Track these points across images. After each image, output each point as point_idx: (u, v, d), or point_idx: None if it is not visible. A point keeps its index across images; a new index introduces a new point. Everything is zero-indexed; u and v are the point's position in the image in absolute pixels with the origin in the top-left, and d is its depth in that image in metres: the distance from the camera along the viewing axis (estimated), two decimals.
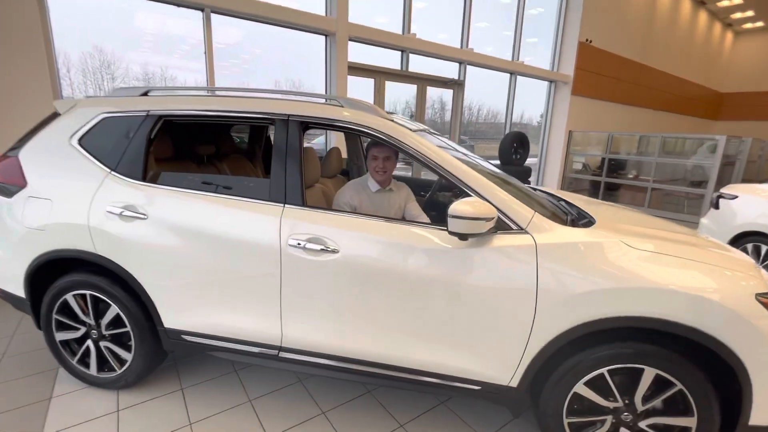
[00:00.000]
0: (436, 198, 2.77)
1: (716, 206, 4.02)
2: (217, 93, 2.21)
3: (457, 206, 1.39)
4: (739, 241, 3.69)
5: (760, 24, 13.90)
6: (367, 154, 2.08)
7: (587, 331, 1.42)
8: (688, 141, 7.54)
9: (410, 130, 1.70)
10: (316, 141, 6.68)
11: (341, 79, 5.09)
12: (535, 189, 2.31)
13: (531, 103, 8.52)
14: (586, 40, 8.19)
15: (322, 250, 1.60)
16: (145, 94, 2.03)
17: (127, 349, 1.97)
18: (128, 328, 1.92)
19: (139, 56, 4.21)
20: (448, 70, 6.58)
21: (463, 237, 1.43)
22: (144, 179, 1.84)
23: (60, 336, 2.02)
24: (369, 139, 1.89)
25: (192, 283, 1.80)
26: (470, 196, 1.53)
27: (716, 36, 13.76)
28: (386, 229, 1.60)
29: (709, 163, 6.64)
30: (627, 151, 8.20)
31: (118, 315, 1.91)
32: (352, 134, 3.11)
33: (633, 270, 1.39)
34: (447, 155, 1.62)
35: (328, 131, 5.31)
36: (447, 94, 6.66)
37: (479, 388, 1.61)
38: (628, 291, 1.37)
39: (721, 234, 3.78)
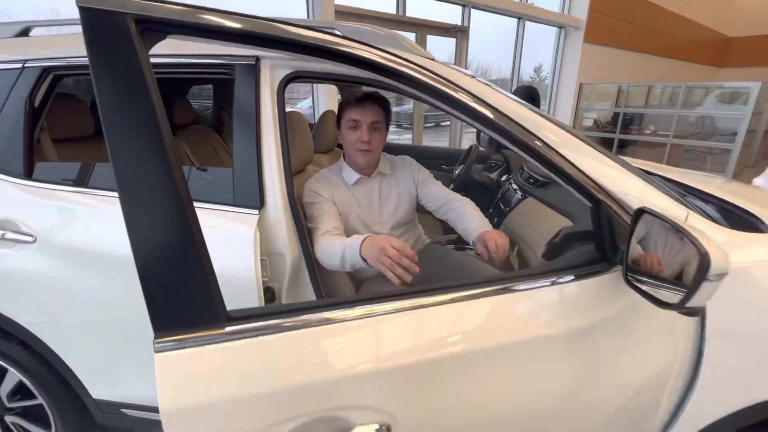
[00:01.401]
0: (470, 176, 2.07)
1: None
2: None
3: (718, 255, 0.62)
4: None
5: None
6: (340, 121, 1.30)
7: None
8: (700, 91, 6.86)
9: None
10: (300, 105, 5.81)
11: None
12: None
13: (536, 57, 7.67)
14: None
15: None
16: (25, 33, 1.26)
17: (47, 426, 1.34)
18: (40, 400, 1.28)
19: None
20: (450, 16, 5.67)
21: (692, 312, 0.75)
22: (28, 175, 1.13)
23: None
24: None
25: (124, 336, 1.14)
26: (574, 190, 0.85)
27: None
28: None
29: (740, 114, 5.99)
30: (642, 104, 7.51)
31: (21, 383, 1.26)
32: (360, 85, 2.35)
33: None
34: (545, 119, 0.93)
35: (314, 85, 4.46)
36: (449, 45, 5.78)
37: None
38: None
39: None
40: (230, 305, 1.05)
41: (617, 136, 7.43)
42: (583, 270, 0.75)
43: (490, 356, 0.71)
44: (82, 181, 1.13)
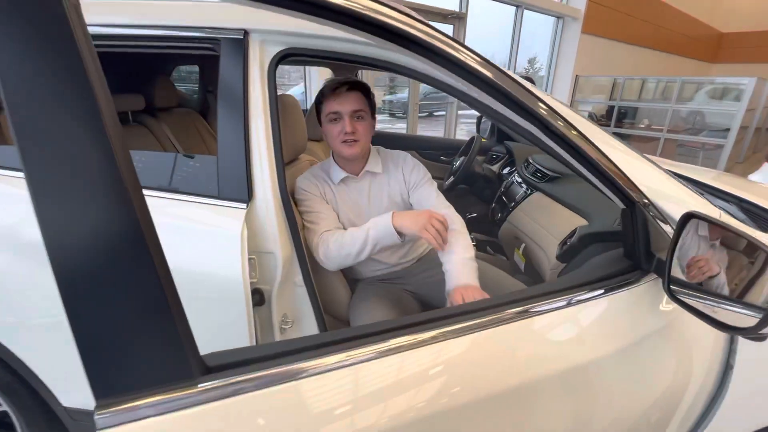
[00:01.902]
0: (471, 168, 1.97)
1: None
2: None
3: None
4: None
5: None
6: (320, 116, 1.15)
7: None
8: (691, 87, 6.84)
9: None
10: (290, 92, 5.64)
11: None
12: None
13: (530, 48, 7.55)
14: None
15: None
16: None
17: None
18: (5, 407, 1.17)
19: None
20: (447, 2, 5.50)
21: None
22: None
23: None
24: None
25: None
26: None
27: None
28: None
29: (733, 110, 6.00)
30: (635, 98, 7.49)
31: None
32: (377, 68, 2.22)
33: None
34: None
35: (308, 69, 4.28)
36: (446, 32, 5.61)
37: None
38: None
39: None
40: (214, 309, 0.96)
41: (612, 129, 7.41)
42: (613, 282, 0.66)
43: (509, 400, 0.59)
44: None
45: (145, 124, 1.89)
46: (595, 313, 0.66)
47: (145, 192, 0.91)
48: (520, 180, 1.67)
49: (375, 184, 1.21)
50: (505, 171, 1.95)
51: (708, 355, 0.78)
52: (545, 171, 1.45)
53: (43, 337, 1.06)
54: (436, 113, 10.59)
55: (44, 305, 1.02)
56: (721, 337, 0.79)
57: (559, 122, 0.60)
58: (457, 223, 1.14)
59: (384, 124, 9.85)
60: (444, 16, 5.41)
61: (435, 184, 1.22)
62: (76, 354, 0.93)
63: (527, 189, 1.55)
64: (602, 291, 0.65)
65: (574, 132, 0.61)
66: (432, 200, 1.18)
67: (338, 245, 1.07)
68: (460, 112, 6.24)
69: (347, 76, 1.12)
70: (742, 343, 0.77)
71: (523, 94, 0.60)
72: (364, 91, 1.12)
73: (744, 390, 0.80)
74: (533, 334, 0.61)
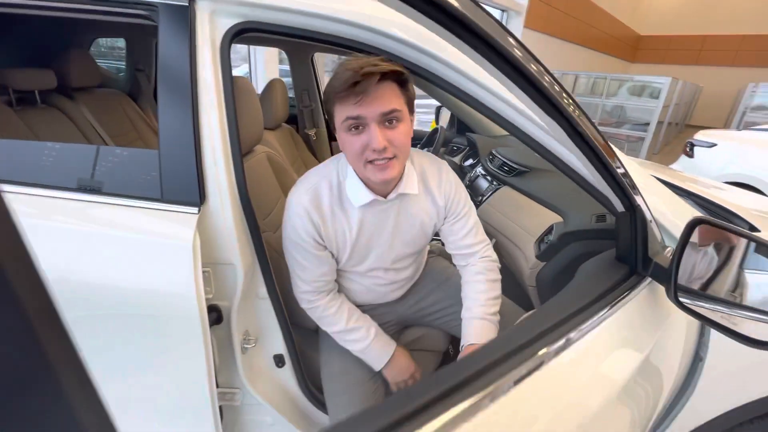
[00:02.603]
0: None
1: (690, 154, 3.84)
2: None
3: None
4: None
5: None
6: (333, 120, 0.77)
7: None
8: (615, 83, 7.47)
9: None
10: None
11: None
12: None
13: None
14: None
15: None
16: None
17: None
18: None
19: None
20: None
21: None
22: None
23: None
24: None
25: None
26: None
27: None
28: None
29: (652, 105, 6.64)
30: (571, 92, 8.01)
31: None
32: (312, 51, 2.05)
33: None
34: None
35: (251, 49, 3.94)
36: None
37: None
38: None
39: None
40: (162, 333, 0.80)
41: None
42: (616, 294, 0.63)
43: None
44: None
45: (58, 107, 1.58)
46: (607, 336, 0.61)
47: (58, 193, 0.73)
48: (484, 173, 1.65)
49: (406, 206, 0.88)
50: (467, 163, 1.93)
51: (681, 348, 0.81)
52: (512, 165, 1.43)
53: None
54: None
55: None
56: (694, 329, 0.81)
57: (584, 120, 0.54)
58: (492, 268, 0.94)
59: None
60: None
61: (474, 209, 0.96)
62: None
63: (493, 182, 1.53)
64: (608, 308, 0.61)
65: (594, 130, 0.56)
66: (463, 233, 0.93)
67: (319, 317, 0.93)
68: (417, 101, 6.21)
69: (370, 58, 0.70)
70: (714, 336, 0.80)
71: (550, 85, 0.52)
72: (400, 79, 0.72)
73: (711, 379, 0.83)
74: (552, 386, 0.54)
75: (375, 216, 0.86)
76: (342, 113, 0.71)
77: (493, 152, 1.63)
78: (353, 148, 0.73)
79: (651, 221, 0.64)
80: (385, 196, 0.83)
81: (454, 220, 0.93)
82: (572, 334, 0.57)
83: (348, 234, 0.86)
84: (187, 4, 0.75)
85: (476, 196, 1.60)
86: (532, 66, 0.51)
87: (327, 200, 0.83)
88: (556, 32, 8.91)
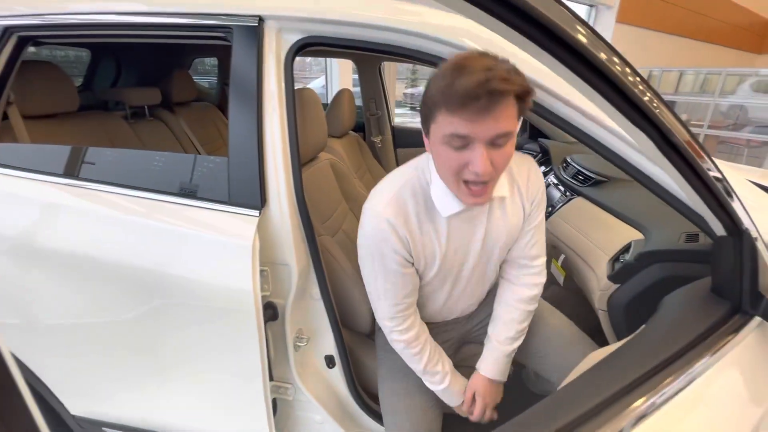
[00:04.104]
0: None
1: None
2: None
3: None
4: None
5: None
6: (428, 124, 0.64)
7: None
8: (733, 79, 6.36)
9: None
10: (311, 86, 5.57)
11: None
12: None
13: None
14: None
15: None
16: None
17: None
18: None
19: None
20: None
21: None
22: None
23: None
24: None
25: (103, 350, 0.98)
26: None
27: None
28: None
29: None
30: (674, 91, 7.07)
31: None
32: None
33: None
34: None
35: (329, 61, 4.17)
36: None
37: None
38: None
39: None
40: (222, 324, 0.87)
41: None
42: (714, 337, 0.52)
43: None
44: (57, 168, 0.94)
45: (161, 119, 1.83)
46: (715, 388, 0.50)
47: (151, 196, 0.84)
48: (557, 182, 1.52)
49: (496, 211, 0.78)
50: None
51: None
52: (588, 173, 1.30)
53: (50, 345, 1.01)
54: None
55: (52, 312, 0.96)
56: None
57: (678, 128, 0.46)
58: (536, 298, 0.88)
59: (404, 118, 9.69)
60: None
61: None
62: (83, 362, 0.87)
63: (566, 192, 1.41)
64: (711, 354, 0.50)
65: (685, 131, 0.48)
66: (532, 242, 0.83)
67: (400, 351, 0.86)
68: None
69: (496, 64, 0.56)
70: None
71: (633, 85, 0.43)
72: (522, 94, 0.58)
73: None
74: None
75: (465, 223, 0.76)
76: (447, 126, 0.59)
77: (567, 159, 1.50)
78: (450, 164, 0.62)
79: (763, 248, 0.53)
80: (479, 205, 0.71)
81: (528, 225, 0.82)
82: (669, 386, 0.47)
83: (438, 247, 0.76)
84: (256, 24, 0.82)
85: (547, 206, 1.48)
86: (611, 60, 0.42)
87: (413, 210, 0.73)
88: (656, 25, 7.95)
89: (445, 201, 0.72)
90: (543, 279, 0.87)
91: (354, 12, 0.79)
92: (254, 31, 0.82)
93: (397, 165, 2.03)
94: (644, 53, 7.78)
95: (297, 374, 0.98)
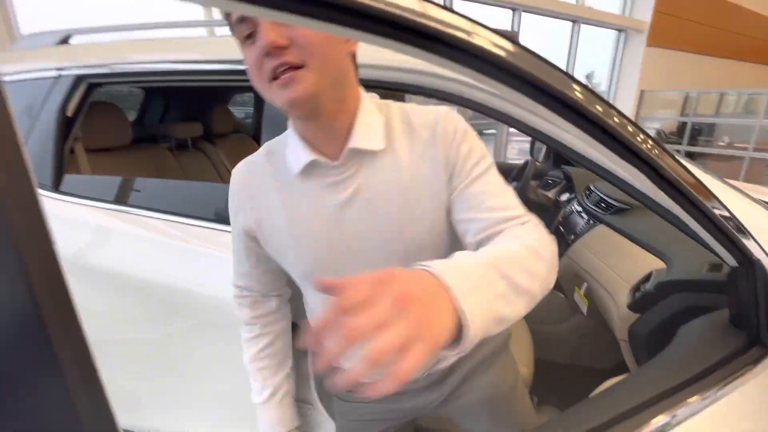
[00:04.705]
0: (524, 194, 1.84)
1: None
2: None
3: None
4: None
5: None
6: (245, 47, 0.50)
7: None
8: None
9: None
10: None
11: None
12: None
13: (587, 62, 7.16)
14: None
15: None
16: (65, 41, 1.23)
17: None
18: None
19: None
20: (498, 20, 5.42)
21: None
22: (56, 188, 1.08)
23: None
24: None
25: (145, 364, 1.06)
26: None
27: None
28: None
29: None
30: (713, 113, 6.80)
31: None
32: None
33: None
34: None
35: None
36: None
37: None
38: None
39: None
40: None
41: (684, 147, 6.78)
42: (728, 369, 0.52)
43: None
44: (109, 196, 1.06)
45: (203, 150, 2.00)
46: (719, 424, 0.50)
47: (188, 221, 0.92)
48: (580, 209, 1.52)
49: (371, 174, 0.57)
50: (563, 198, 1.80)
51: None
52: (611, 201, 1.29)
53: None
54: (485, 131, 10.35)
55: (98, 327, 1.06)
56: None
57: (671, 165, 0.48)
58: (541, 238, 0.52)
59: None
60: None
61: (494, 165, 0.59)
62: (114, 375, 0.93)
63: (589, 220, 1.40)
64: (718, 386, 0.51)
65: (688, 175, 0.50)
66: (485, 196, 0.56)
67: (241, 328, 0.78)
68: (511, 129, 6.04)
69: None
70: None
71: (626, 130, 0.46)
72: None
73: None
74: None
75: (320, 192, 0.57)
76: (234, 27, 0.50)
77: (591, 187, 1.49)
78: (251, 64, 0.50)
79: None
80: (334, 159, 0.56)
81: (468, 180, 0.56)
82: (681, 409, 0.47)
83: (280, 216, 0.60)
84: None
85: (569, 233, 1.47)
86: (608, 113, 0.45)
87: (260, 168, 0.62)
88: (690, 46, 7.77)
89: (296, 153, 0.57)
90: (537, 225, 0.55)
91: (366, 53, 0.87)
92: None
93: None
94: (678, 76, 7.59)
95: (316, 394, 1.01)
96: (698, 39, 7.82)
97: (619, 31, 6.95)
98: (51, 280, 0.21)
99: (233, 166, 1.75)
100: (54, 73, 1.11)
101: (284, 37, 0.46)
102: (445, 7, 0.34)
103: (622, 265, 1.06)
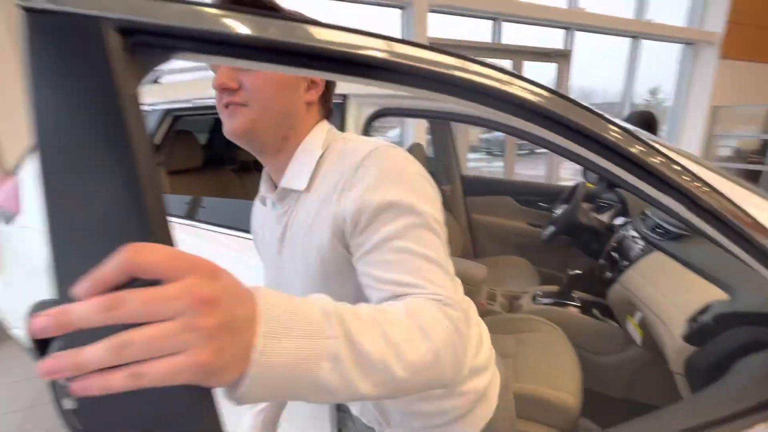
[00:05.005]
0: (575, 217, 1.78)
1: None
2: None
3: None
4: None
5: None
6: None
7: None
8: None
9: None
10: (390, 134, 5.99)
11: None
12: None
13: (649, 77, 6.75)
14: None
15: None
16: (155, 81, 1.45)
17: None
18: None
19: None
20: (551, 39, 5.33)
21: None
22: None
23: None
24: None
25: None
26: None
27: None
28: None
29: None
30: None
31: None
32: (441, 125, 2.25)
33: None
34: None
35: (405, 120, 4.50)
36: (549, 71, 5.42)
37: None
38: None
39: None
40: None
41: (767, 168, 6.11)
42: None
43: None
44: (181, 212, 1.21)
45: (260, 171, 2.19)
46: None
47: (245, 235, 1.03)
48: (635, 235, 1.45)
49: (296, 214, 0.59)
50: (617, 222, 1.72)
51: None
52: (668, 227, 1.23)
53: None
54: (537, 151, 10.06)
55: None
56: None
57: (709, 195, 0.50)
58: (437, 314, 0.43)
59: (480, 163, 9.71)
60: (546, 55, 5.24)
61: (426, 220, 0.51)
62: None
63: (644, 246, 1.33)
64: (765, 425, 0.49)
65: (731, 206, 0.51)
66: (382, 265, 0.48)
67: None
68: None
69: None
70: None
71: (668, 168, 0.50)
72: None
73: None
74: None
75: (269, 220, 0.65)
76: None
77: (646, 212, 1.43)
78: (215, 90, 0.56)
79: None
80: (272, 192, 0.62)
81: (359, 249, 0.50)
82: None
83: (254, 230, 0.75)
84: (342, 101, 1.01)
85: (622, 259, 1.40)
86: (650, 152, 0.49)
87: (262, 191, 0.67)
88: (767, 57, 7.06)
89: (262, 184, 0.65)
90: (439, 312, 0.43)
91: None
92: (340, 106, 1.01)
93: (467, 214, 2.11)
94: (756, 89, 6.90)
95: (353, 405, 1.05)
96: None
97: (688, 44, 6.52)
98: None
99: None
100: (148, 108, 1.30)
101: (234, 81, 0.53)
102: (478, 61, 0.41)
103: (678, 294, 1.00)
